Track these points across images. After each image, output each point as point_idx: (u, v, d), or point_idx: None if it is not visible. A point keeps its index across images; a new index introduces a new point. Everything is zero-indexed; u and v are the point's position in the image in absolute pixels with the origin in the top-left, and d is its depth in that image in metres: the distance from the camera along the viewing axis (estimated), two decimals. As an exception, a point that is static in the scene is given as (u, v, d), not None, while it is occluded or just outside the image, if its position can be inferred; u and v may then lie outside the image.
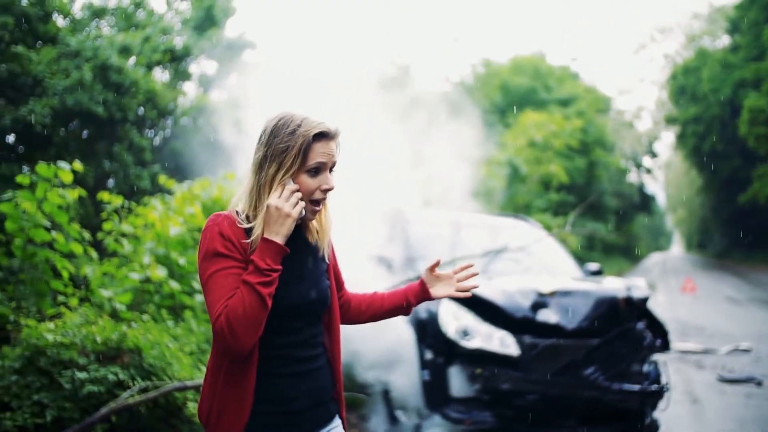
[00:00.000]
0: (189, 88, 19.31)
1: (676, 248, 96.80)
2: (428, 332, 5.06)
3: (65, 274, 5.66)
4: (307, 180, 1.99)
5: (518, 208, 18.92)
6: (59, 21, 13.27)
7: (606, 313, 5.09)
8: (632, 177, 48.53)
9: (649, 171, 51.69)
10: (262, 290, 1.86)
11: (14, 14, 10.46)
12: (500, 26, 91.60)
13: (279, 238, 1.92)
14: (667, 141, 53.25)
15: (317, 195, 2.02)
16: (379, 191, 6.03)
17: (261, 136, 2.03)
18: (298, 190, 1.97)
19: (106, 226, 6.89)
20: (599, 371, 4.91)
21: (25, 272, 5.53)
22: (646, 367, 5.30)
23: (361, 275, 5.53)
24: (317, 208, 2.05)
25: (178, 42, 16.92)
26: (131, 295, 5.94)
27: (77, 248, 5.81)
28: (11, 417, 4.05)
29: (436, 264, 2.43)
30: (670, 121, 42.78)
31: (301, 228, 2.14)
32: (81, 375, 4.28)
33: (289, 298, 2.01)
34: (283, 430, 2.05)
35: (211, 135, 13.45)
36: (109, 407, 4.15)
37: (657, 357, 5.66)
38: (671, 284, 22.12)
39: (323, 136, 1.99)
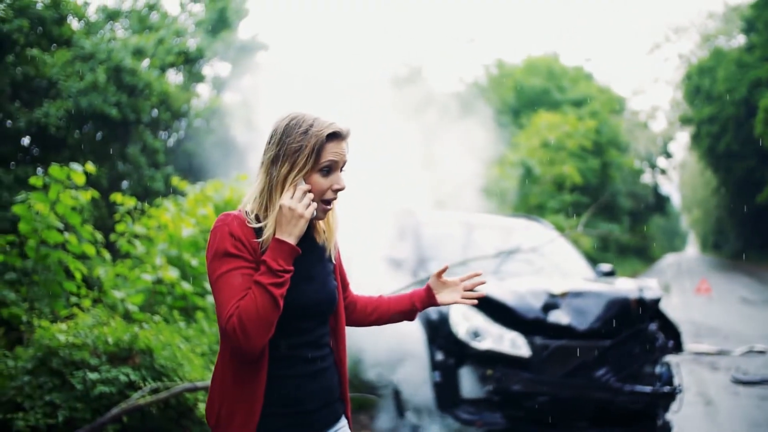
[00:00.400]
0: (203, 90, 19.41)
1: (692, 249, 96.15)
2: (439, 333, 5.06)
3: (78, 276, 5.69)
4: (319, 180, 1.99)
5: (531, 209, 18.86)
6: (74, 24, 13.33)
7: (618, 314, 5.07)
8: (647, 178, 48.28)
9: (663, 171, 51.40)
10: (275, 291, 1.86)
11: (29, 17, 10.51)
12: (514, 27, 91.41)
13: (291, 239, 1.92)
14: (681, 141, 52.85)
15: (328, 195, 2.02)
16: (391, 192, 6.04)
17: (272, 136, 2.03)
18: (310, 191, 1.97)
19: (119, 227, 6.93)
20: (611, 372, 4.89)
21: (39, 273, 5.57)
22: (658, 369, 5.27)
23: (373, 276, 5.55)
24: (328, 208, 2.05)
25: (192, 44, 16.99)
26: (143, 297, 5.97)
27: (90, 249, 5.84)
28: (24, 417, 4.07)
29: (444, 270, 2.42)
30: (684, 121, 42.50)
31: (309, 228, 2.14)
32: (93, 376, 4.31)
33: (299, 299, 2.01)
34: (293, 430, 2.04)
35: (224, 136, 13.50)
36: (120, 408, 4.17)
37: (670, 358, 5.62)
38: (686, 285, 21.97)
39: (335, 136, 2.00)
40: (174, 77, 17.54)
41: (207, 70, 19.34)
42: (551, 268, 6.25)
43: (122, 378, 4.37)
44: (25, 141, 12.18)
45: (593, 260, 13.84)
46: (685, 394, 6.33)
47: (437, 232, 6.46)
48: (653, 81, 64.73)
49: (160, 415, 4.44)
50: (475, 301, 2.43)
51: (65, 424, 4.17)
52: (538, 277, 5.80)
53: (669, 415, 5.30)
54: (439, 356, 4.98)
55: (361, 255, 5.59)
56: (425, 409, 5.19)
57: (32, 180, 5.54)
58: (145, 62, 14.91)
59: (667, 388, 5.07)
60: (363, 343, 5.56)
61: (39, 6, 11.16)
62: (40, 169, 11.01)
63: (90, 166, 5.79)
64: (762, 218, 37.33)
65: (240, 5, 19.78)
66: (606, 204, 29.46)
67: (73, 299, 5.73)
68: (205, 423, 4.49)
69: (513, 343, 4.84)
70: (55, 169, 5.50)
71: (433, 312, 5.17)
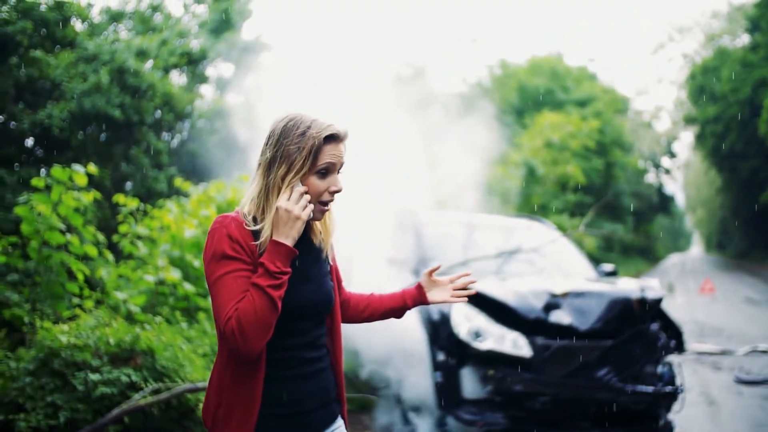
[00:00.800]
0: (206, 91, 19.42)
1: (696, 249, 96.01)
2: (440, 333, 5.06)
3: (80, 277, 5.71)
4: (316, 182, 1.99)
5: (535, 209, 18.86)
6: (77, 25, 13.37)
7: (619, 315, 5.06)
8: (651, 177, 48.28)
9: (667, 171, 51.39)
10: (273, 293, 1.86)
11: (33, 19, 10.54)
12: (517, 27, 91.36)
13: (289, 241, 1.92)
14: (686, 141, 52.92)
15: (325, 197, 2.02)
16: (393, 192, 6.04)
17: (269, 138, 2.02)
18: (306, 192, 1.97)
19: (122, 228, 6.95)
20: (612, 373, 4.88)
21: (41, 275, 5.58)
22: (660, 369, 5.26)
23: (375, 276, 5.55)
24: (325, 209, 2.05)
25: (195, 45, 17.01)
26: (145, 298, 5.98)
27: (92, 251, 5.85)
28: (25, 418, 4.09)
29: (435, 269, 2.44)
30: (689, 121, 42.49)
31: (306, 230, 2.14)
32: (94, 377, 4.32)
33: (296, 300, 2.01)
34: (290, 431, 2.05)
35: (227, 137, 13.51)
36: (121, 408, 4.18)
37: (672, 358, 5.62)
38: (690, 285, 21.94)
39: (333, 138, 1.99)
40: (177, 78, 17.56)
41: (210, 71, 19.36)
42: (553, 268, 6.24)
43: (124, 379, 4.39)
44: (29, 142, 12.22)
45: (597, 260, 13.85)
46: (688, 394, 6.33)
47: (438, 232, 6.45)
48: (657, 81, 64.77)
49: (162, 416, 4.45)
50: (465, 299, 2.45)
51: (66, 425, 4.18)
52: (540, 277, 5.79)
53: (671, 416, 5.29)
54: (441, 356, 4.98)
55: (363, 255, 5.60)
56: (427, 409, 5.19)
57: (34, 181, 5.55)
58: (149, 63, 14.93)
59: (669, 388, 5.06)
60: (365, 343, 5.56)
61: (42, 8, 11.20)
62: (43, 171, 11.04)
63: (92, 168, 5.80)
64: (766, 218, 37.25)
65: (243, 6, 19.78)
66: (610, 204, 29.44)
67: (76, 300, 5.75)
68: (207, 424, 4.51)
69: (514, 344, 4.83)
70: (57, 170, 5.52)
71: (434, 312, 5.17)
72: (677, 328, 5.55)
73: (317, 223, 2.15)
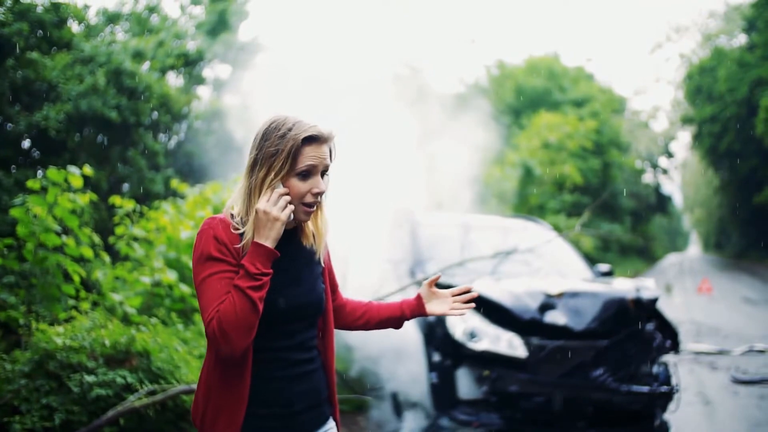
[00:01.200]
0: (204, 92, 19.43)
1: (694, 249, 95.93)
2: (436, 334, 5.06)
3: (76, 278, 5.70)
4: (297, 183, 1.98)
5: (532, 210, 18.87)
6: (74, 27, 13.36)
7: (614, 315, 5.07)
8: (648, 178, 48.30)
9: (665, 171, 51.43)
10: (253, 294, 1.86)
11: (29, 21, 10.53)
12: (515, 27, 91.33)
13: (269, 242, 1.92)
14: (683, 141, 52.83)
15: (308, 198, 2.01)
16: (390, 193, 6.04)
17: (254, 140, 2.03)
18: (287, 194, 1.96)
19: (119, 230, 6.95)
20: (608, 373, 4.89)
21: (37, 276, 5.58)
22: (655, 369, 5.27)
23: (371, 277, 5.55)
24: (310, 210, 2.04)
25: (192, 46, 17.02)
26: (141, 299, 5.98)
27: (88, 252, 5.85)
28: (20, 420, 4.09)
29: (435, 279, 2.41)
30: (686, 121, 42.45)
31: (296, 232, 2.14)
32: (89, 378, 4.32)
33: (285, 302, 2.02)
34: None
35: (224, 138, 13.50)
36: (116, 410, 4.18)
37: (668, 358, 5.62)
38: (687, 285, 21.95)
39: (313, 139, 1.98)
40: (174, 80, 17.57)
41: (207, 72, 19.37)
42: (549, 268, 6.25)
43: (119, 380, 4.39)
44: (26, 144, 12.19)
45: (594, 260, 13.86)
46: (684, 393, 6.33)
47: (435, 232, 6.46)
48: (654, 81, 64.60)
49: (157, 418, 4.45)
50: (464, 314, 2.41)
51: (62, 427, 4.18)
52: (535, 277, 5.80)
53: (666, 415, 5.29)
54: (436, 357, 4.98)
55: (359, 256, 5.61)
56: (422, 409, 5.20)
57: (30, 183, 5.54)
58: (145, 65, 14.94)
59: (664, 388, 5.07)
60: (360, 344, 5.57)
61: (39, 9, 11.19)
62: (40, 172, 11.03)
63: (87, 169, 5.79)
64: (764, 217, 37.29)
65: (240, 7, 19.80)
66: (607, 204, 29.47)
67: (72, 302, 5.74)
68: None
69: (510, 344, 4.84)
70: (52, 172, 5.51)
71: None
72: (673, 328, 5.56)
73: (309, 225, 2.14)
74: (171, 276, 6.16)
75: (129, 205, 6.91)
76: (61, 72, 11.93)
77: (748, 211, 40.28)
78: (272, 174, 1.96)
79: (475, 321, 4.94)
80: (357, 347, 5.71)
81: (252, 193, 1.98)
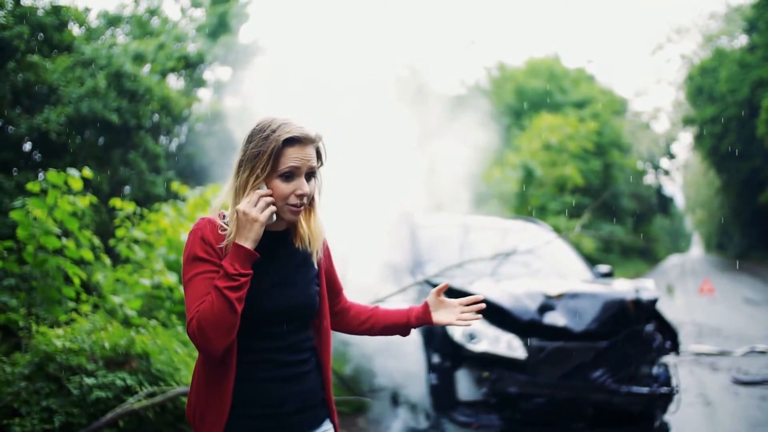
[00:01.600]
0: (205, 94, 19.45)
1: (696, 250, 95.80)
2: (435, 336, 5.07)
3: (76, 281, 5.71)
4: (280, 185, 1.98)
5: (533, 211, 18.86)
6: (75, 30, 13.37)
7: (614, 316, 5.07)
8: (650, 179, 48.29)
9: (666, 172, 51.42)
10: (230, 294, 1.87)
11: (30, 24, 10.54)
12: (515, 28, 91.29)
13: (248, 243, 1.93)
14: (684, 142, 52.85)
15: (292, 199, 2.00)
16: (389, 195, 6.04)
17: (242, 141, 2.04)
18: (270, 195, 1.97)
19: (119, 232, 6.95)
20: (607, 374, 4.89)
21: (37, 279, 5.59)
22: (655, 370, 5.27)
23: (371, 279, 5.55)
24: (295, 210, 2.03)
25: (192, 49, 17.03)
26: (141, 301, 5.99)
27: (88, 255, 5.86)
28: (20, 423, 4.09)
29: (443, 288, 2.36)
30: (687, 121, 42.42)
31: (288, 234, 2.15)
32: (89, 381, 4.33)
33: (271, 304, 2.03)
34: None
35: (225, 140, 13.51)
36: (115, 412, 4.19)
37: (668, 359, 5.62)
38: (689, 286, 21.92)
39: (296, 141, 1.98)
40: (175, 82, 17.58)
41: (208, 74, 19.39)
42: (548, 269, 6.25)
43: (118, 383, 4.39)
44: (27, 147, 12.20)
45: (596, 262, 13.85)
46: (685, 394, 6.33)
47: (434, 234, 6.47)
48: (655, 82, 64.61)
49: (157, 420, 4.45)
50: (470, 324, 2.38)
51: (61, 430, 4.18)
52: (535, 278, 5.80)
53: (667, 416, 5.29)
54: (436, 359, 4.99)
55: (359, 258, 5.61)
56: (422, 411, 5.20)
57: (29, 186, 5.56)
58: (146, 68, 14.95)
59: (664, 389, 5.07)
60: (360, 346, 5.57)
61: (40, 12, 11.20)
62: (41, 175, 11.03)
63: (87, 172, 5.80)
64: (766, 218, 37.26)
65: (241, 9, 19.81)
66: (609, 205, 29.45)
67: (72, 305, 5.75)
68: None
69: (509, 345, 4.84)
70: (52, 174, 5.52)
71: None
72: (673, 328, 5.56)
73: (303, 227, 2.14)
74: (171, 278, 6.16)
75: (129, 207, 6.92)
76: (62, 75, 11.94)
77: (749, 212, 40.27)
78: (254, 175, 1.97)
79: (475, 322, 4.93)
80: (356, 349, 5.71)
81: (237, 194, 2.00)
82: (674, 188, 64.49)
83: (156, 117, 14.39)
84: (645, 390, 4.94)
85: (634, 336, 5.13)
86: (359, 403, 5.88)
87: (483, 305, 2.37)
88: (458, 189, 7.34)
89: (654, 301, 5.38)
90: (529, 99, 32.60)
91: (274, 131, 1.97)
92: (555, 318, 4.94)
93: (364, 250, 5.72)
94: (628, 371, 5.01)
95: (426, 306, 2.38)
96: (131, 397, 4.37)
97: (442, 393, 4.93)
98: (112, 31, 17.77)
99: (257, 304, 1.97)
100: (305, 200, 2.04)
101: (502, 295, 5.07)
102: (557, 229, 11.26)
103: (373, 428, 5.60)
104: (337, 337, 4.87)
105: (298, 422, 2.11)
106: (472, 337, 4.87)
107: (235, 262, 1.91)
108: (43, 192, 5.56)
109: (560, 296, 5.06)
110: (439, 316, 2.36)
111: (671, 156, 51.31)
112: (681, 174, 63.05)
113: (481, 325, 4.92)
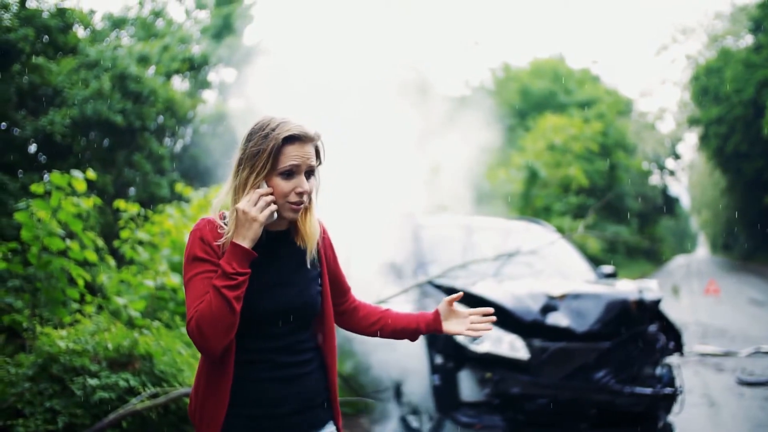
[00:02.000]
0: (209, 96, 19.47)
1: (702, 250, 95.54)
2: (438, 337, 5.06)
3: (80, 282, 5.73)
4: (280, 183, 1.98)
5: (537, 212, 18.85)
6: (80, 32, 13.41)
7: (617, 316, 5.05)
8: (655, 179, 48.19)
9: (672, 173, 51.29)
10: (228, 294, 1.88)
11: (35, 26, 10.58)
12: (519, 29, 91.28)
13: (246, 242, 1.93)
14: (690, 142, 52.67)
15: (292, 198, 2.01)
16: (392, 196, 6.04)
17: (241, 140, 2.05)
18: (271, 194, 1.97)
19: (123, 234, 6.97)
20: (611, 374, 4.88)
21: (41, 280, 5.60)
22: (659, 370, 5.26)
23: (373, 280, 5.56)
24: (297, 209, 2.04)
25: (197, 50, 17.05)
26: (145, 303, 6.00)
27: (92, 256, 5.87)
28: (23, 423, 4.10)
29: (456, 298, 2.35)
30: (692, 122, 42.32)
31: (289, 233, 2.15)
32: (92, 381, 4.34)
33: (268, 304, 2.03)
34: None
35: (230, 142, 13.51)
36: (117, 413, 4.19)
37: (672, 360, 5.61)
38: (695, 287, 21.88)
39: (296, 139, 1.98)
40: (180, 84, 17.61)
41: (213, 76, 19.42)
42: (552, 270, 6.24)
43: (122, 384, 4.40)
44: (32, 149, 12.24)
45: (601, 262, 13.82)
46: (689, 395, 6.32)
47: (437, 235, 6.47)
48: (661, 82, 64.56)
49: (160, 421, 4.46)
50: (480, 335, 2.38)
51: (65, 430, 4.19)
52: (537, 279, 5.79)
53: (671, 417, 5.28)
54: (439, 359, 4.98)
55: (362, 258, 5.61)
56: (425, 412, 5.20)
57: (33, 187, 5.57)
58: (151, 69, 14.98)
59: (667, 390, 5.06)
60: (363, 347, 5.57)
61: (45, 15, 11.24)
62: (46, 177, 11.05)
63: (91, 173, 5.82)
64: (772, 219, 37.15)
65: (245, 11, 19.83)
66: (614, 206, 29.40)
67: (75, 306, 5.76)
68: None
69: (512, 346, 4.83)
70: (56, 176, 5.54)
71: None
72: (676, 329, 5.55)
73: (303, 228, 2.14)
74: (175, 279, 6.18)
75: (133, 209, 6.94)
76: (67, 77, 11.97)
77: (755, 213, 40.14)
78: (254, 174, 1.97)
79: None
80: (358, 349, 5.71)
81: (236, 192, 2.00)
82: (680, 189, 64.30)
83: (161, 119, 14.42)
84: (648, 391, 4.93)
85: (638, 337, 5.11)
86: (362, 403, 5.88)
87: (494, 317, 2.38)
88: (462, 189, 7.34)
89: (657, 302, 5.36)
90: (533, 100, 32.58)
91: (273, 129, 1.97)
92: (558, 318, 4.93)
93: (366, 250, 5.72)
94: (632, 372, 5.00)
95: (437, 314, 2.37)
96: (134, 398, 4.38)
97: (444, 394, 4.93)
98: (117, 33, 17.81)
99: (256, 304, 1.98)
100: (305, 198, 2.04)
101: (505, 295, 5.07)
102: (561, 230, 11.24)
103: (376, 429, 5.61)
104: (338, 337, 4.87)
105: (297, 423, 2.11)
106: (474, 337, 4.87)
107: (233, 261, 1.91)
108: (47, 194, 5.57)
109: (563, 297, 5.05)
110: (449, 326, 2.36)
111: (676, 156, 51.21)
112: (686, 174, 62.95)
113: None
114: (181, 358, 4.92)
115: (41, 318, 5.39)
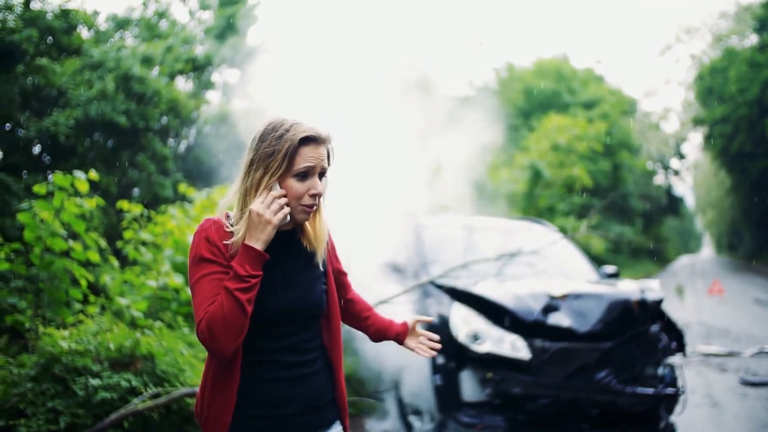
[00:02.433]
0: (213, 96, 19.49)
1: (707, 250, 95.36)
2: (439, 336, 5.05)
3: (83, 283, 5.74)
4: (294, 184, 1.98)
5: (541, 212, 18.84)
6: (83, 33, 13.46)
7: (619, 316, 5.04)
8: (660, 179, 48.09)
9: (677, 173, 51.16)
10: (241, 296, 1.87)
11: (39, 27, 10.60)
12: (523, 29, 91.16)
13: (259, 245, 1.93)
14: (694, 142, 52.58)
15: (306, 200, 2.01)
16: (394, 196, 6.05)
17: (252, 141, 2.04)
18: (284, 195, 1.97)
19: (127, 234, 6.99)
20: (612, 375, 4.87)
21: (44, 281, 5.62)
22: (661, 371, 5.25)
23: (375, 280, 5.56)
24: (309, 211, 2.04)
25: (200, 51, 17.08)
26: (147, 303, 6.01)
27: (94, 257, 5.89)
28: (26, 424, 4.12)
29: (425, 320, 2.53)
30: (697, 122, 42.22)
31: (295, 233, 2.15)
32: (94, 382, 4.35)
33: (277, 304, 2.03)
34: None
35: (233, 142, 13.53)
36: (119, 413, 4.21)
37: (674, 360, 5.59)
38: (699, 287, 21.82)
39: (311, 140, 1.98)
40: (184, 85, 17.64)
41: (216, 76, 19.44)
42: (554, 270, 6.23)
43: (123, 384, 4.41)
44: (36, 149, 12.28)
45: (605, 262, 13.81)
46: (692, 395, 6.31)
47: (439, 235, 6.47)
48: (665, 82, 64.45)
49: (162, 421, 4.47)
50: (425, 356, 2.53)
51: (67, 430, 4.20)
52: (539, 279, 5.78)
53: (673, 417, 5.27)
54: (440, 359, 4.98)
55: (363, 259, 5.61)
56: (426, 412, 5.20)
57: (36, 188, 5.59)
58: (155, 70, 15.01)
59: (669, 390, 5.04)
60: (364, 347, 5.58)
61: (49, 16, 11.27)
62: (51, 178, 11.08)
63: (93, 174, 5.83)
64: (777, 219, 37.06)
65: (249, 11, 19.85)
66: (618, 206, 29.35)
67: (78, 306, 5.78)
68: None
69: (513, 346, 4.83)
70: (58, 176, 5.56)
71: (433, 315, 5.18)
72: (678, 329, 5.54)
73: (309, 228, 2.15)
74: (177, 280, 6.19)
75: (137, 209, 6.96)
76: (71, 78, 12.01)
77: (760, 213, 40.02)
78: (268, 174, 1.97)
79: (479, 323, 4.94)
80: (361, 350, 5.71)
81: (248, 193, 1.99)
82: (684, 188, 64.23)
83: (164, 119, 14.44)
84: (650, 391, 4.92)
85: (639, 337, 5.10)
86: (364, 403, 5.89)
87: (438, 345, 2.55)
88: (464, 190, 7.34)
89: (659, 302, 5.35)
90: (537, 100, 32.56)
91: (287, 130, 1.97)
92: (559, 318, 4.92)
93: (368, 250, 5.73)
94: (633, 372, 4.99)
95: (405, 326, 2.52)
96: (136, 398, 4.39)
97: (446, 394, 4.92)
98: (121, 34, 17.85)
99: (264, 305, 1.98)
100: (318, 200, 2.04)
101: (506, 295, 5.06)
102: (564, 231, 11.24)
103: (377, 429, 5.60)
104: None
105: (301, 424, 2.12)
106: (476, 337, 4.87)
107: (246, 263, 1.91)
108: (50, 194, 5.59)
109: (564, 297, 5.05)
110: (408, 342, 2.53)
111: (681, 156, 51.09)
112: (691, 174, 62.74)
113: (485, 326, 4.92)
114: (182, 359, 4.94)
115: (44, 318, 5.41)
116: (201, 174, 15.36)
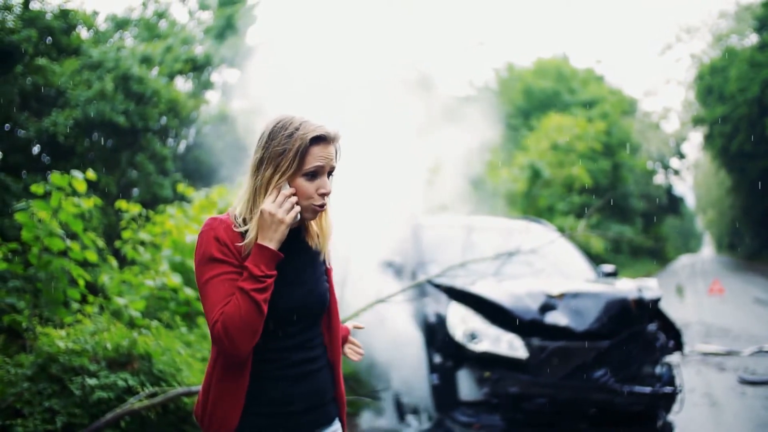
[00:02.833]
0: (212, 96, 19.49)
1: (707, 250, 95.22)
2: (437, 336, 5.07)
3: (81, 282, 5.74)
4: (304, 183, 1.98)
5: (541, 211, 18.82)
6: (83, 33, 13.45)
7: (616, 315, 5.05)
8: (660, 179, 48.07)
9: (677, 172, 51.13)
10: (257, 297, 1.87)
11: (38, 28, 10.59)
12: (523, 29, 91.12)
13: (273, 244, 1.92)
14: (694, 142, 52.53)
15: (316, 199, 2.01)
16: (393, 195, 6.05)
17: (260, 139, 2.02)
18: (294, 194, 1.97)
19: (125, 234, 6.99)
20: (610, 374, 4.88)
21: (42, 281, 5.62)
22: (658, 369, 5.25)
23: (373, 279, 5.56)
24: (318, 210, 2.04)
25: (200, 51, 17.07)
26: (145, 303, 6.01)
27: (92, 256, 5.88)
28: (22, 423, 4.11)
29: (358, 327, 2.53)
30: (697, 121, 42.19)
31: (300, 231, 2.14)
32: (91, 381, 4.34)
33: (286, 303, 2.03)
34: (277, 431, 2.06)
35: (233, 142, 13.53)
36: (115, 412, 4.20)
37: (672, 359, 5.60)
38: (699, 286, 21.81)
39: (321, 139, 1.98)
40: (183, 85, 17.64)
41: (216, 76, 19.44)
42: (552, 269, 6.23)
43: (120, 383, 4.40)
44: (35, 150, 12.27)
45: (605, 262, 13.80)
46: (691, 394, 6.30)
47: (437, 234, 6.47)
48: (665, 82, 64.38)
49: (159, 420, 4.47)
50: (356, 358, 2.50)
51: (63, 430, 4.20)
52: (536, 278, 5.79)
53: (671, 416, 5.27)
54: (437, 359, 4.99)
55: (362, 258, 5.61)
56: (423, 411, 5.21)
57: (34, 188, 5.58)
58: (154, 70, 15.00)
59: (667, 389, 5.05)
60: (362, 346, 5.57)
61: (48, 16, 11.26)
62: (50, 178, 11.05)
63: (91, 174, 5.83)
64: (777, 218, 37.03)
65: (248, 11, 19.85)
66: (618, 205, 29.34)
67: (76, 306, 5.77)
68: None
69: (510, 345, 4.83)
70: (56, 176, 5.55)
71: (431, 315, 5.19)
72: (676, 328, 5.54)
73: (313, 225, 2.15)
74: (176, 279, 6.19)
75: (135, 209, 6.95)
76: (70, 78, 11.99)
77: (761, 212, 40.00)
78: (279, 173, 1.96)
79: (476, 322, 4.94)
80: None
81: (257, 192, 1.99)
82: (684, 188, 64.18)
83: (163, 119, 14.43)
84: (647, 390, 4.92)
85: (637, 335, 5.11)
86: (361, 402, 5.89)
87: (363, 352, 2.52)
88: (464, 189, 7.34)
89: (656, 301, 5.36)
90: (537, 99, 32.55)
91: (297, 129, 1.96)
92: (557, 318, 4.92)
93: (367, 249, 5.73)
94: (631, 371, 5.00)
95: (347, 331, 2.48)
96: (132, 398, 4.39)
97: (443, 393, 4.93)
98: (120, 35, 17.84)
99: (274, 303, 1.96)
100: (327, 199, 2.04)
101: (504, 294, 5.07)
102: (563, 230, 11.23)
103: (375, 428, 5.60)
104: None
105: (307, 422, 2.12)
106: (473, 336, 4.87)
107: (261, 263, 1.90)
108: (48, 194, 5.58)
109: (562, 296, 5.05)
110: (345, 347, 2.48)
111: (681, 156, 51.05)
112: (691, 174, 62.72)
113: (482, 325, 4.92)
114: (179, 358, 4.93)
115: (42, 318, 5.40)
116: (200, 174, 15.35)
